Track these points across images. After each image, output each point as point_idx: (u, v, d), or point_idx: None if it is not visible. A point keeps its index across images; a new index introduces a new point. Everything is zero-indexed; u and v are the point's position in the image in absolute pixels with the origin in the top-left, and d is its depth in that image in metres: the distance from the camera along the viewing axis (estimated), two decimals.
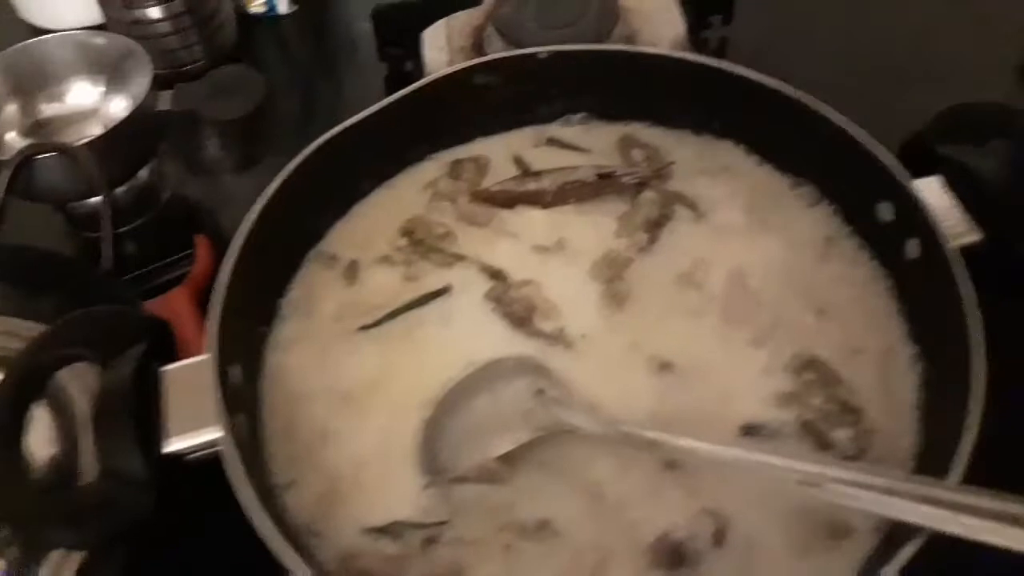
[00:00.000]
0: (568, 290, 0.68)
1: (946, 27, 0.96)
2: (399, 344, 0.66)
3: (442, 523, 0.57)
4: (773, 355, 0.64)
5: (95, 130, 0.88)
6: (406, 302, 0.68)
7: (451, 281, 0.69)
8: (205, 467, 0.54)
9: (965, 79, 0.85)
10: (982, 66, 0.90)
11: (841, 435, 0.59)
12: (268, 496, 0.56)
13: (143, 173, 0.93)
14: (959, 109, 0.71)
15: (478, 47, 0.90)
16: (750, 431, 0.60)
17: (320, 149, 0.69)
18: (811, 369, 0.62)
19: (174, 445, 0.55)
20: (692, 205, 0.73)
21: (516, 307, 0.67)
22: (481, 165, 0.76)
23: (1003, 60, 0.90)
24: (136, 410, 0.54)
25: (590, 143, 0.78)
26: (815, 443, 0.59)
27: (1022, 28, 0.93)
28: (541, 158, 0.77)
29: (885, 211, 0.66)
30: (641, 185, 0.73)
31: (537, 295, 0.68)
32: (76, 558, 0.59)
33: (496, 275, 0.69)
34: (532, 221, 0.73)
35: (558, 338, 0.66)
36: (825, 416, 0.60)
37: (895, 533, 0.54)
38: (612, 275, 0.69)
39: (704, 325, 0.66)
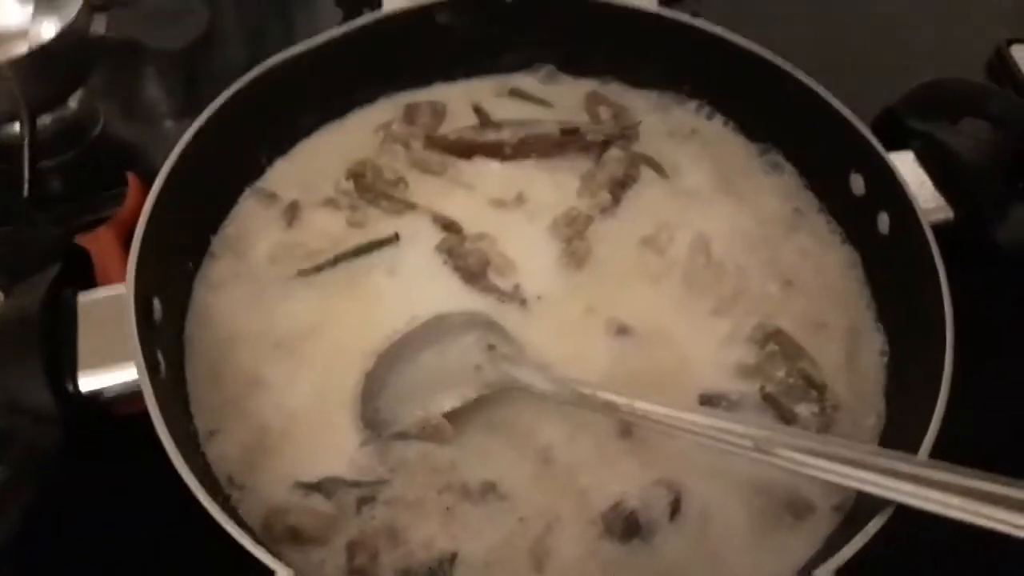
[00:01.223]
0: (525, 247, 0.64)
1: (926, 6, 0.94)
2: (340, 292, 0.62)
3: (380, 482, 0.53)
4: (735, 325, 0.61)
5: (21, 51, 0.81)
6: (351, 248, 0.63)
7: (400, 229, 0.65)
8: (124, 420, 0.50)
9: (939, 60, 0.84)
10: (957, 49, 0.88)
11: (804, 410, 0.57)
12: (188, 444, 0.52)
13: (72, 104, 0.87)
14: (934, 85, 0.69)
15: None
16: (709, 401, 0.57)
17: (259, 80, 0.64)
18: (774, 341, 0.60)
19: (87, 380, 0.50)
20: (658, 168, 0.69)
21: (470, 261, 0.63)
22: (438, 110, 0.72)
23: (977, 46, 0.89)
24: (45, 339, 0.49)
25: (555, 97, 0.74)
26: (777, 417, 0.57)
27: (1000, 14, 0.92)
28: (502, 108, 0.72)
29: (856, 183, 0.64)
30: (606, 144, 0.69)
31: (492, 250, 0.64)
32: None
33: (449, 226, 0.65)
34: (490, 173, 0.69)
35: (513, 296, 0.62)
36: (788, 390, 0.58)
37: (856, 512, 0.52)
38: (572, 234, 0.65)
39: (665, 291, 0.63)
